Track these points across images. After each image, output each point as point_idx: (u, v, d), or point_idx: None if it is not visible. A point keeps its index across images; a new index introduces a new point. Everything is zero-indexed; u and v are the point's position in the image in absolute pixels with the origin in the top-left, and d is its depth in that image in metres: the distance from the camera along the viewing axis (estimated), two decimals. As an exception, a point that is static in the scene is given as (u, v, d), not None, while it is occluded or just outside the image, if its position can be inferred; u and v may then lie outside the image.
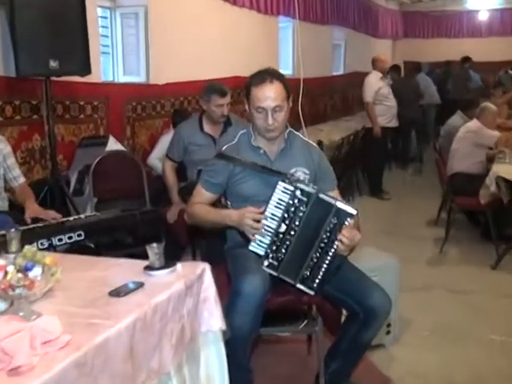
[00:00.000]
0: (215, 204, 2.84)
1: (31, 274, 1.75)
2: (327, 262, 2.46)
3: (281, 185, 2.48)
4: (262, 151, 2.75)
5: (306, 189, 2.49)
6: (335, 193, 2.78)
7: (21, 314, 1.64)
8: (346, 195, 6.94)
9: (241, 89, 7.35)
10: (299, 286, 2.51)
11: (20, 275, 1.72)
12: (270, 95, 2.60)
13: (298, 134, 2.91)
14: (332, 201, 2.47)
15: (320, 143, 6.34)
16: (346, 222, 2.43)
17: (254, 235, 2.48)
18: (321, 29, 10.04)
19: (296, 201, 2.48)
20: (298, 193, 2.47)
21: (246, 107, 2.73)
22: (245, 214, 2.49)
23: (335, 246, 2.45)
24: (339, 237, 2.42)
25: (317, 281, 2.49)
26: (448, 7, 15.33)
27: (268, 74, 2.65)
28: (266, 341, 3.24)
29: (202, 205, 2.75)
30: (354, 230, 2.47)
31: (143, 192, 4.40)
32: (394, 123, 7.82)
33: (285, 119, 2.69)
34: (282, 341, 3.38)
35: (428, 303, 4.17)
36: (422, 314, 3.94)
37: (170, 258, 2.11)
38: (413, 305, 3.99)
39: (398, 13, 15.58)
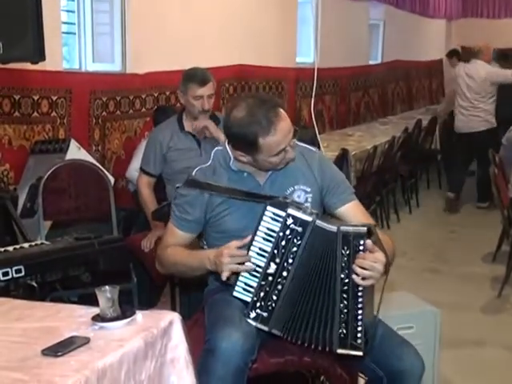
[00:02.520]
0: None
1: None
2: (361, 306, 2.37)
3: (269, 210, 2.44)
4: (245, 174, 2.71)
5: (300, 215, 2.42)
6: (354, 205, 2.75)
7: None
8: (378, 222, 6.92)
9: (246, 80, 7.52)
10: (340, 351, 2.42)
11: None
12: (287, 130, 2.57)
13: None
14: (333, 228, 2.39)
15: (345, 153, 6.30)
16: (361, 247, 2.34)
17: (229, 279, 2.43)
18: (353, 5, 10.04)
19: (288, 232, 2.42)
20: (289, 221, 2.42)
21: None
22: (222, 251, 2.44)
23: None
24: (354, 269, 2.34)
25: (359, 335, 2.39)
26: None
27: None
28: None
29: (174, 247, 2.73)
30: (374, 251, 2.37)
31: (110, 214, 4.38)
32: None
33: None
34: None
35: (480, 364, 4.10)
36: (470, 379, 3.88)
37: (143, 300, 2.09)
38: (459, 366, 3.96)
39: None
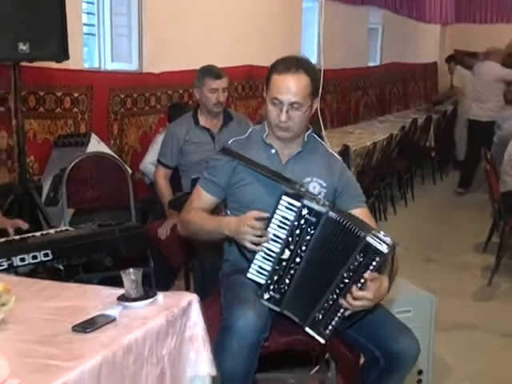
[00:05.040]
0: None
1: (-23, 304, 1.74)
2: (344, 308, 2.38)
3: (285, 200, 2.45)
4: (273, 151, 2.76)
5: (315, 207, 2.43)
6: (362, 212, 2.75)
7: (-39, 351, 1.63)
8: (376, 213, 6.94)
9: (254, 80, 7.52)
10: (308, 330, 2.46)
11: (-37, 304, 1.72)
12: (290, 87, 2.61)
13: (320, 140, 2.91)
14: (361, 232, 2.34)
15: (346, 149, 6.33)
16: (374, 262, 2.31)
17: (256, 248, 2.46)
18: (354, 10, 10.02)
19: (302, 221, 2.43)
20: (304, 212, 2.43)
21: (264, 94, 2.74)
22: (245, 219, 2.48)
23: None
24: (356, 294, 2.31)
25: (330, 327, 2.42)
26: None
27: (296, 63, 2.66)
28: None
29: (198, 210, 2.75)
30: (380, 279, 2.37)
31: (129, 203, 4.40)
32: None
33: (303, 121, 2.69)
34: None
35: (471, 347, 4.11)
36: (462, 360, 3.89)
37: (159, 283, 2.10)
38: (452, 348, 3.96)
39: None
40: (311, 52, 8.97)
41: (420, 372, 3.42)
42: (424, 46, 14.11)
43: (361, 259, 2.32)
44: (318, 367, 2.87)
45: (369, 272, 2.30)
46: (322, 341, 2.45)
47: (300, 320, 2.48)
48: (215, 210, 2.86)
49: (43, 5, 3.92)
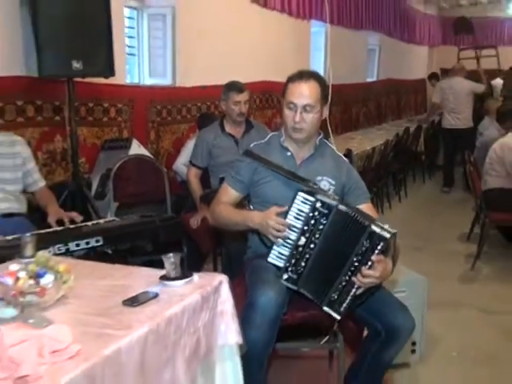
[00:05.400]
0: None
1: (43, 281, 1.76)
2: (356, 287, 2.39)
3: (300, 195, 2.46)
4: (289, 153, 2.77)
5: (328, 200, 2.45)
6: (367, 207, 2.75)
7: (30, 321, 1.65)
8: (374, 207, 6.90)
9: (269, 93, 7.51)
10: (325, 308, 2.46)
11: (31, 282, 1.74)
12: (303, 92, 2.63)
13: (329, 144, 2.91)
14: (366, 221, 2.36)
15: (349, 152, 6.31)
16: (379, 247, 2.32)
17: (276, 238, 2.47)
18: (355, 34, 10.00)
19: (316, 213, 2.44)
20: (318, 204, 2.44)
21: (282, 102, 2.74)
22: (268, 215, 2.49)
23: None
24: (365, 272, 2.33)
25: (344, 305, 2.42)
26: (489, 13, 15.11)
27: (307, 73, 2.70)
28: (286, 356, 3.22)
29: (226, 204, 2.77)
30: (385, 262, 2.38)
31: (165, 198, 4.42)
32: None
33: (314, 122, 2.69)
34: (303, 356, 3.36)
35: (457, 322, 4.10)
36: (450, 334, 3.88)
37: (191, 266, 2.10)
38: (441, 323, 3.94)
39: (435, 18, 15.39)
40: (318, 69, 8.94)
41: (414, 343, 3.42)
42: (414, 64, 14.14)
43: (367, 244, 2.33)
44: (327, 338, 2.86)
45: (375, 255, 2.31)
46: (338, 317, 2.45)
47: (317, 300, 2.48)
48: (240, 205, 2.87)
49: (93, 29, 3.97)
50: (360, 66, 10.77)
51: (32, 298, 1.71)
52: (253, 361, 2.33)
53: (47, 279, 1.77)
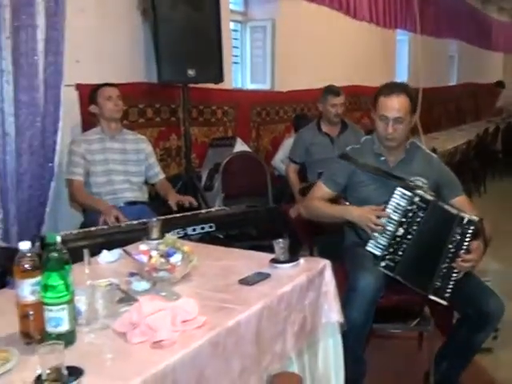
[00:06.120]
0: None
1: (172, 260, 1.81)
2: (456, 271, 2.35)
3: (399, 190, 2.42)
4: (382, 158, 2.69)
5: (425, 195, 2.41)
6: (462, 199, 2.66)
7: (162, 294, 1.70)
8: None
9: (358, 96, 7.42)
10: (432, 297, 2.41)
11: (163, 260, 1.79)
12: (394, 106, 2.54)
13: (420, 145, 2.82)
14: (454, 211, 2.35)
15: (434, 150, 6.13)
16: (470, 231, 2.32)
17: (373, 232, 2.43)
18: (437, 42, 9.74)
19: (414, 206, 2.40)
20: (416, 199, 2.40)
21: (372, 114, 2.68)
22: (368, 210, 2.46)
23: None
24: (465, 257, 2.33)
25: (448, 291, 2.38)
26: None
27: (398, 87, 2.61)
28: (379, 336, 3.16)
29: (320, 200, 2.72)
30: (479, 245, 2.36)
31: (267, 190, 4.45)
32: None
33: (404, 131, 2.61)
34: (394, 337, 3.29)
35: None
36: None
37: (290, 252, 2.10)
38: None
39: (509, 25, 14.78)
40: (403, 75, 8.78)
41: (496, 330, 3.27)
42: (490, 69, 13.65)
43: (459, 230, 2.34)
44: (417, 321, 2.79)
45: (467, 239, 2.31)
46: (445, 303, 2.40)
47: (422, 290, 2.43)
48: (336, 200, 2.83)
49: (205, 41, 4.06)
50: (441, 71, 10.57)
51: (164, 274, 1.76)
52: (352, 338, 2.31)
53: (176, 258, 1.81)
